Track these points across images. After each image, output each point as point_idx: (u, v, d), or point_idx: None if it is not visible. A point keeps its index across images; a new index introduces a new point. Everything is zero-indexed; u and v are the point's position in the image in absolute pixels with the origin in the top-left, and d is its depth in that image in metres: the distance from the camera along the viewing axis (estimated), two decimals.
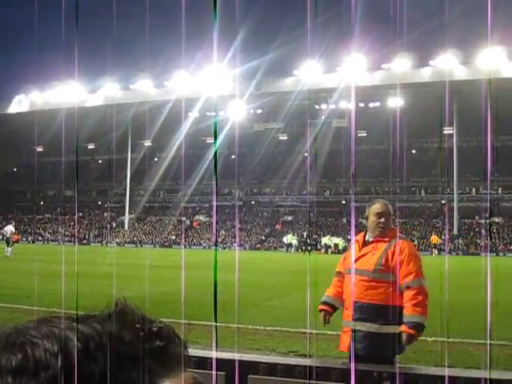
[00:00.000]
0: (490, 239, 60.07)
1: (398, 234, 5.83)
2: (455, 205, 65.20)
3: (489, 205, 65.89)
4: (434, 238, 58.02)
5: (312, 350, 5.90)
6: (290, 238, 61.35)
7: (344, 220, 69.70)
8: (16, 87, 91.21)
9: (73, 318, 0.77)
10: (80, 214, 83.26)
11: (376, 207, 5.78)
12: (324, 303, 5.87)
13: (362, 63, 62.51)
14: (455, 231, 64.04)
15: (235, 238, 68.20)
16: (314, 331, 6.08)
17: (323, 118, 70.53)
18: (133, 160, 78.89)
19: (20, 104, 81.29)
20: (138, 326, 0.78)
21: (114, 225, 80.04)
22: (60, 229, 76.35)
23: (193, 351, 4.61)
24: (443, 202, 67.17)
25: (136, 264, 29.24)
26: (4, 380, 0.69)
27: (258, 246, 68.31)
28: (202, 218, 78.56)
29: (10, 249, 35.85)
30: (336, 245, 54.95)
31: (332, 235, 60.02)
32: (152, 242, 72.32)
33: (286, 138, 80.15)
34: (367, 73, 63.52)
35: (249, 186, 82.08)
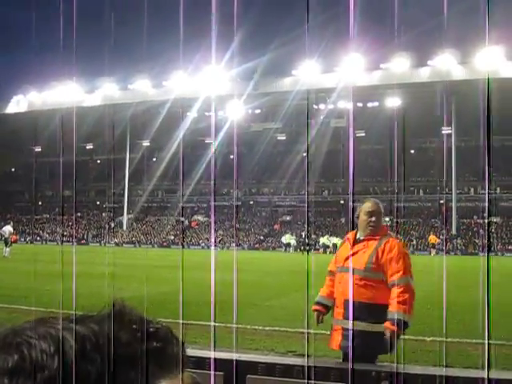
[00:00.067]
0: (489, 239, 60.10)
1: (388, 232, 5.87)
2: (453, 205, 65.26)
3: (487, 205, 65.86)
4: (433, 238, 58.06)
5: (310, 350, 5.91)
6: (287, 238, 61.39)
7: (342, 220, 69.71)
8: (14, 87, 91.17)
9: (70, 318, 0.76)
10: (78, 214, 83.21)
11: (367, 206, 5.82)
12: (317, 303, 5.92)
13: (361, 63, 62.54)
14: (453, 231, 64.09)
15: (234, 237, 68.21)
16: (312, 331, 6.08)
17: (322, 117, 70.51)
18: (131, 160, 78.82)
19: (18, 104, 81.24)
20: (135, 326, 0.77)
21: (113, 225, 79.95)
22: (58, 229, 76.40)
23: (191, 351, 4.61)
24: (441, 201, 67.19)
25: (134, 264, 29.25)
26: (0, 381, 0.69)
27: (257, 245, 68.33)
28: (200, 218, 78.54)
29: (8, 249, 35.86)
30: (334, 245, 54.88)
31: (330, 235, 59.98)
32: (150, 242, 72.32)
33: (284, 137, 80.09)
34: (365, 73, 63.54)
35: (247, 185, 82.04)
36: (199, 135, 72.60)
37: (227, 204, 77.00)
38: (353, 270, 5.53)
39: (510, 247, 60.18)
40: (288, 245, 60.49)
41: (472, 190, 70.72)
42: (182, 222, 78.44)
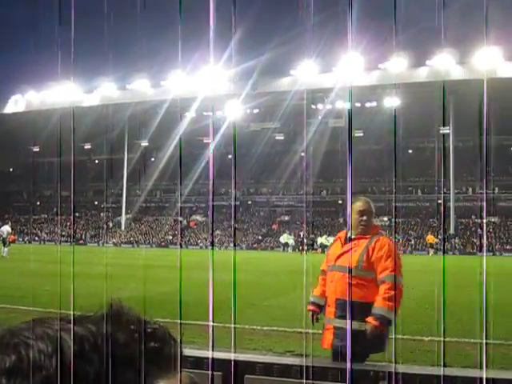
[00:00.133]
0: (487, 239, 60.17)
1: (379, 231, 5.90)
2: (452, 204, 65.30)
3: (485, 204, 66.01)
4: (431, 238, 58.08)
5: (309, 350, 5.92)
6: (285, 238, 61.43)
7: (341, 220, 69.71)
8: (12, 87, 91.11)
9: (67, 318, 0.76)
10: (76, 215, 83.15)
11: (358, 205, 5.86)
12: (311, 303, 5.95)
13: (359, 63, 62.58)
14: (452, 231, 64.12)
15: (232, 237, 68.20)
16: (310, 331, 6.09)
17: (320, 117, 70.50)
18: (129, 160, 78.83)
19: (16, 104, 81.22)
20: (132, 327, 0.77)
21: (111, 225, 79.97)
22: (56, 229, 76.33)
23: (189, 351, 4.61)
24: (440, 201, 67.27)
25: (133, 264, 29.26)
26: None
27: (255, 245, 68.36)
28: (198, 217, 78.55)
29: (6, 249, 35.84)
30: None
31: (329, 235, 59.92)
32: (149, 242, 72.31)
33: (282, 137, 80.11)
34: (364, 73, 63.59)
35: (245, 185, 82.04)
36: (197, 135, 72.51)
37: (225, 204, 77.02)
38: (344, 268, 5.57)
39: (507, 247, 60.22)
40: (286, 244, 60.52)
41: (470, 189, 70.80)
42: (181, 221, 78.39)
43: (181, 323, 9.97)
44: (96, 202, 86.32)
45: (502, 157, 66.60)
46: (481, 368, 5.29)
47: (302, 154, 71.67)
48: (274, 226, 73.97)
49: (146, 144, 79.47)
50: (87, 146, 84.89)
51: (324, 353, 6.01)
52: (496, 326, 9.95)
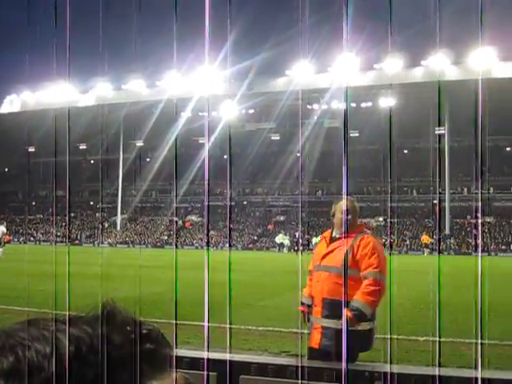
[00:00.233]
0: (482, 239, 60.27)
1: (364, 229, 5.94)
2: (447, 204, 65.39)
3: (480, 204, 66.11)
4: (425, 238, 58.18)
5: (304, 350, 5.91)
6: (280, 238, 61.42)
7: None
8: (7, 87, 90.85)
9: (61, 319, 0.76)
10: (72, 215, 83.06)
11: (343, 204, 5.84)
12: (301, 303, 5.98)
13: (354, 63, 62.62)
14: (447, 231, 64.20)
15: (227, 238, 68.18)
16: (306, 331, 6.10)
17: (315, 118, 70.53)
18: (125, 160, 78.73)
19: (11, 104, 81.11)
20: (128, 328, 0.77)
21: (106, 225, 79.88)
22: (52, 229, 76.24)
23: (184, 352, 4.60)
24: (435, 201, 67.37)
25: (128, 264, 29.19)
26: None
27: (251, 246, 68.35)
28: (194, 218, 78.51)
29: (1, 249, 35.78)
30: None
31: None
32: (144, 243, 72.24)
33: (278, 138, 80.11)
34: (359, 73, 63.64)
35: (241, 186, 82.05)
36: (193, 135, 72.51)
37: (221, 204, 76.96)
38: (330, 268, 5.60)
39: (503, 247, 60.34)
40: (281, 245, 60.51)
41: (465, 189, 70.90)
42: (176, 222, 78.38)
43: (176, 323, 9.95)
44: (91, 202, 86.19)
45: (498, 157, 66.75)
46: (476, 368, 5.30)
47: (298, 155, 71.67)
48: (270, 227, 73.98)
49: (142, 144, 79.38)
50: (82, 147, 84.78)
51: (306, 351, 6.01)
52: (491, 326, 9.98)
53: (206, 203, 75.13)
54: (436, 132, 65.76)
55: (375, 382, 4.25)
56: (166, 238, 73.20)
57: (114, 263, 30.55)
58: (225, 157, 74.36)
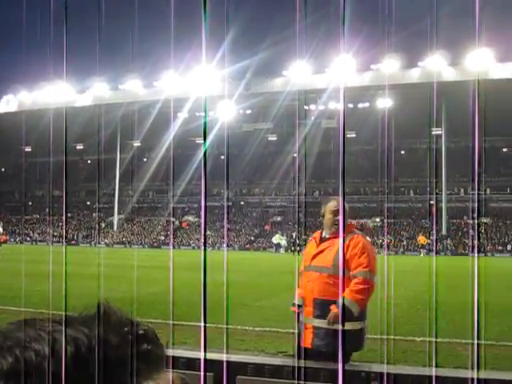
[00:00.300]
0: (478, 239, 60.31)
1: (353, 229, 5.96)
2: (444, 205, 65.45)
3: (477, 205, 66.16)
4: (422, 239, 58.23)
5: (300, 351, 5.92)
6: (277, 238, 61.40)
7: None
8: (4, 87, 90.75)
9: (57, 319, 0.75)
10: (69, 215, 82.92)
11: (332, 205, 5.94)
12: (293, 304, 6.00)
13: (351, 64, 62.61)
14: (444, 231, 64.24)
15: (224, 238, 68.16)
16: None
17: (312, 118, 70.52)
18: (122, 160, 78.68)
19: (8, 104, 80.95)
20: (125, 329, 0.77)
21: (103, 225, 79.81)
22: (48, 229, 76.09)
23: (181, 352, 4.60)
24: (432, 202, 67.35)
25: (125, 265, 29.17)
26: None
27: (248, 246, 68.34)
28: (191, 218, 78.46)
29: None
30: None
31: None
32: (141, 243, 72.18)
33: (275, 138, 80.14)
34: (356, 73, 63.63)
35: (238, 186, 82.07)
36: (190, 135, 72.43)
37: (218, 204, 76.92)
38: (320, 268, 5.62)
39: (499, 247, 60.42)
40: (278, 245, 60.50)
41: (462, 190, 70.99)
42: (173, 222, 78.33)
43: (173, 324, 9.96)
44: (88, 203, 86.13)
45: (494, 158, 66.77)
46: (472, 368, 5.30)
47: (295, 155, 71.66)
48: (267, 227, 73.97)
49: (139, 144, 79.31)
50: (79, 147, 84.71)
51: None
52: (488, 326, 9.99)
53: (202, 203, 74.96)
54: (433, 133, 65.72)
55: (372, 383, 4.25)
56: (162, 238, 73.17)
57: (110, 263, 30.55)
58: (222, 157, 74.41)
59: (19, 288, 15.19)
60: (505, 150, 75.19)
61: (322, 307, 5.52)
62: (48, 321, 0.75)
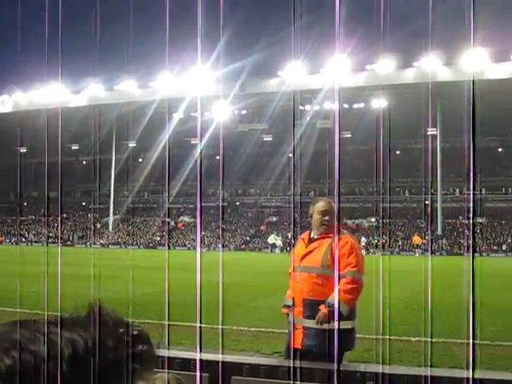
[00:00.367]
0: (474, 239, 60.39)
1: (341, 230, 5.98)
2: (439, 205, 65.53)
3: (472, 205, 66.22)
4: (416, 239, 58.32)
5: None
6: (272, 238, 61.43)
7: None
8: None
9: (51, 321, 0.75)
10: (64, 216, 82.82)
11: (320, 205, 5.94)
12: (284, 305, 6.02)
13: (346, 64, 62.62)
14: (439, 231, 64.33)
15: (220, 238, 68.15)
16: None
17: (308, 118, 70.54)
18: (117, 161, 78.60)
19: (3, 104, 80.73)
20: (121, 330, 0.77)
21: (99, 226, 79.70)
22: (44, 230, 76.00)
23: (176, 353, 4.60)
24: (427, 202, 67.46)
25: (120, 265, 29.16)
26: None
27: (243, 246, 68.31)
28: (186, 218, 78.40)
29: None
30: None
31: None
32: (136, 243, 72.11)
33: (270, 138, 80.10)
34: (351, 74, 63.64)
35: (233, 186, 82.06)
36: (185, 136, 72.41)
37: (213, 205, 76.91)
38: (309, 268, 5.65)
39: (494, 247, 60.52)
40: (273, 245, 60.52)
41: (457, 190, 71.06)
42: (168, 222, 78.27)
43: (168, 324, 9.95)
44: (83, 203, 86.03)
45: (490, 158, 66.95)
46: (467, 368, 5.31)
47: (290, 155, 71.69)
48: (262, 227, 73.96)
49: (134, 145, 79.24)
50: (75, 147, 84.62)
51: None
52: (483, 326, 10.01)
53: (198, 204, 75.01)
54: (428, 133, 65.80)
55: (367, 383, 4.26)
56: (158, 238, 73.07)
57: (106, 264, 30.51)
58: (217, 157, 74.38)
59: (14, 289, 15.17)
60: (500, 149, 75.33)
61: (311, 307, 5.54)
62: (43, 322, 0.74)
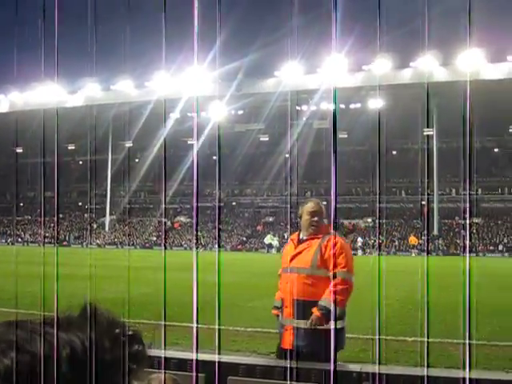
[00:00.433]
0: (470, 240, 60.46)
1: (330, 230, 6.02)
2: (435, 205, 65.57)
3: (468, 205, 66.31)
4: (413, 239, 58.37)
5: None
6: (269, 238, 61.42)
7: (325, 221, 69.61)
8: None
9: (47, 321, 0.74)
10: (60, 216, 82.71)
11: (309, 206, 6.02)
12: (274, 307, 6.08)
13: (343, 64, 62.63)
14: (435, 232, 64.36)
15: (216, 239, 68.11)
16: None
17: (304, 119, 70.56)
18: (114, 161, 78.55)
19: None
20: (117, 330, 0.77)
21: (95, 226, 79.61)
22: (40, 230, 75.91)
23: (173, 353, 4.60)
24: (423, 202, 67.52)
25: (117, 265, 29.11)
26: None
27: (240, 247, 68.29)
28: (182, 218, 78.37)
29: None
30: None
31: None
32: (133, 244, 72.02)
33: (267, 139, 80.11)
34: (348, 74, 63.66)
35: (230, 187, 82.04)
36: (182, 136, 72.39)
37: (210, 205, 76.88)
38: (299, 269, 5.68)
39: (491, 248, 60.58)
40: (270, 245, 60.51)
41: (453, 190, 71.14)
42: (165, 223, 78.24)
43: (165, 325, 9.94)
44: (80, 203, 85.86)
45: (486, 158, 67.03)
46: (464, 368, 5.31)
47: (287, 156, 71.68)
48: (259, 227, 73.95)
49: (131, 145, 79.12)
50: (71, 147, 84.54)
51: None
52: (479, 326, 10.02)
53: (194, 204, 75.04)
54: (424, 133, 65.89)
55: (363, 383, 4.26)
56: (154, 238, 73.06)
57: (102, 264, 30.47)
58: (214, 158, 74.35)
59: (11, 289, 15.15)
60: (496, 150, 75.44)
61: (301, 308, 5.55)
62: (38, 322, 0.74)
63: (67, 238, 76.08)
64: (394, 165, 69.40)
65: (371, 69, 63.62)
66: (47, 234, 74.63)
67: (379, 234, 63.79)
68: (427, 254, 57.94)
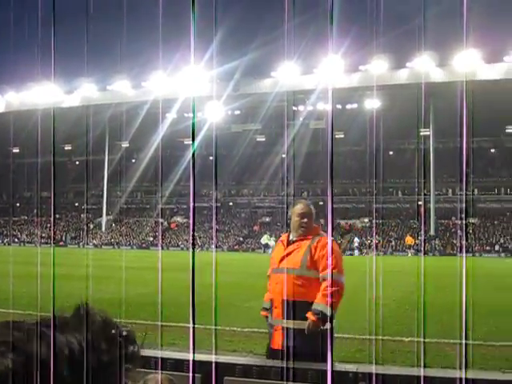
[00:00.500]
0: (466, 240, 60.54)
1: (320, 231, 6.04)
2: (432, 206, 65.60)
3: (465, 206, 66.40)
4: (409, 239, 58.43)
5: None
6: (265, 239, 61.38)
7: (322, 221, 69.74)
8: None
9: (43, 322, 0.74)
10: (57, 216, 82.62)
11: (298, 208, 6.03)
12: (263, 308, 6.17)
13: (340, 65, 62.66)
14: (432, 232, 64.41)
15: (213, 239, 68.11)
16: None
17: (301, 119, 70.56)
18: (110, 161, 78.44)
19: None
20: (113, 331, 0.77)
21: (92, 226, 79.55)
22: (36, 231, 75.82)
23: (169, 353, 4.59)
24: (420, 202, 67.55)
25: (113, 266, 29.10)
26: None
27: (236, 247, 68.28)
28: (179, 219, 78.34)
29: None
30: None
31: None
32: (129, 244, 71.98)
33: (263, 139, 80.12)
34: (344, 74, 63.67)
35: (227, 187, 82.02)
36: (178, 136, 72.38)
37: (207, 205, 76.87)
38: (288, 270, 5.71)
39: (487, 248, 60.63)
40: (266, 246, 60.50)
41: (450, 191, 71.26)
42: (161, 223, 78.20)
43: (161, 325, 9.95)
44: (76, 204, 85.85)
45: (482, 158, 67.10)
46: (460, 368, 5.32)
47: (283, 156, 71.72)
48: (256, 228, 73.94)
49: (127, 145, 79.13)
50: (67, 147, 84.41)
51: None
52: (475, 326, 10.03)
53: (191, 204, 75.03)
54: (421, 133, 65.93)
55: (359, 383, 4.26)
56: (151, 239, 72.99)
57: (99, 265, 30.45)
58: (210, 158, 74.35)
59: (7, 290, 15.11)
60: (492, 150, 75.57)
61: (291, 308, 5.56)
62: (34, 322, 0.74)
63: (64, 238, 76.02)
64: (390, 165, 69.44)
65: (368, 69, 63.64)
66: (44, 235, 74.52)
67: (376, 234, 63.88)
68: (424, 254, 57.98)
